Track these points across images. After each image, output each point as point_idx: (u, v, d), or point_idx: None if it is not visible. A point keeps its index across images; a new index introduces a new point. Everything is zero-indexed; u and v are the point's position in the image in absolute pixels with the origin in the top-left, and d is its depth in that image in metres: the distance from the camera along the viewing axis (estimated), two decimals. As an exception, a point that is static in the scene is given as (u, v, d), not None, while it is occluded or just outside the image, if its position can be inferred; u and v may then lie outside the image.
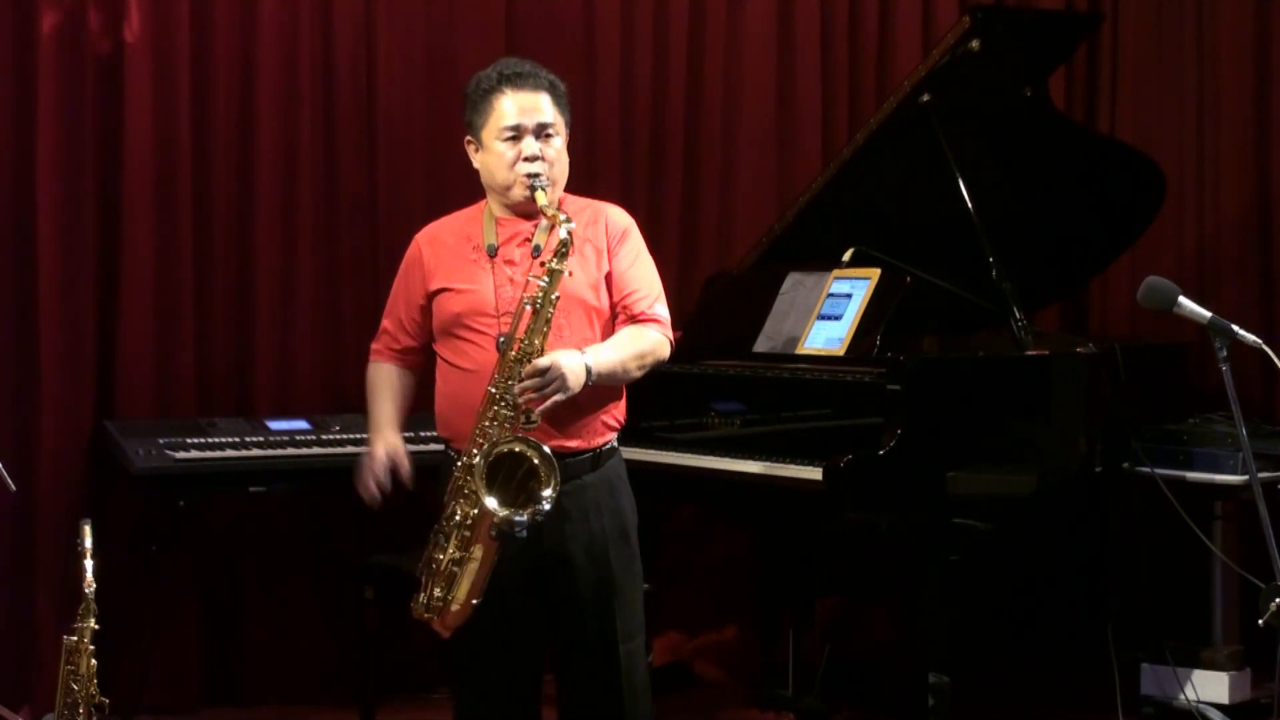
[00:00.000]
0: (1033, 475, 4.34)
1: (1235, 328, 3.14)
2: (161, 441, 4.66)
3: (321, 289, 5.20)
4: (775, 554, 5.04)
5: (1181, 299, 3.19)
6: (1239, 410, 3.18)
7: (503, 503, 3.23)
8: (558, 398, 3.27)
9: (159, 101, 4.94)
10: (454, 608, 3.33)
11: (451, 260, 3.47)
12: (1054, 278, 5.16)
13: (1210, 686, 4.90)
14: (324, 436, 4.89)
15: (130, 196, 4.92)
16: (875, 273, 4.48)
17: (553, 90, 3.46)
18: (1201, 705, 4.84)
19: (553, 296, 3.28)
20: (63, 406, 4.83)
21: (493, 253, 3.44)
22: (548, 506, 3.21)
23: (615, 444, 3.51)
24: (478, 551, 3.28)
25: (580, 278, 3.39)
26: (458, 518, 3.31)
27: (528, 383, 3.25)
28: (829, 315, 4.51)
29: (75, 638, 3.59)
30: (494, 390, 3.28)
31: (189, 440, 4.70)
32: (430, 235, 3.56)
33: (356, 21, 5.23)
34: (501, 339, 3.33)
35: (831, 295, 4.54)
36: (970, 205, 4.55)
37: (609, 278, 3.47)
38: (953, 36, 4.57)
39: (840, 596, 5.44)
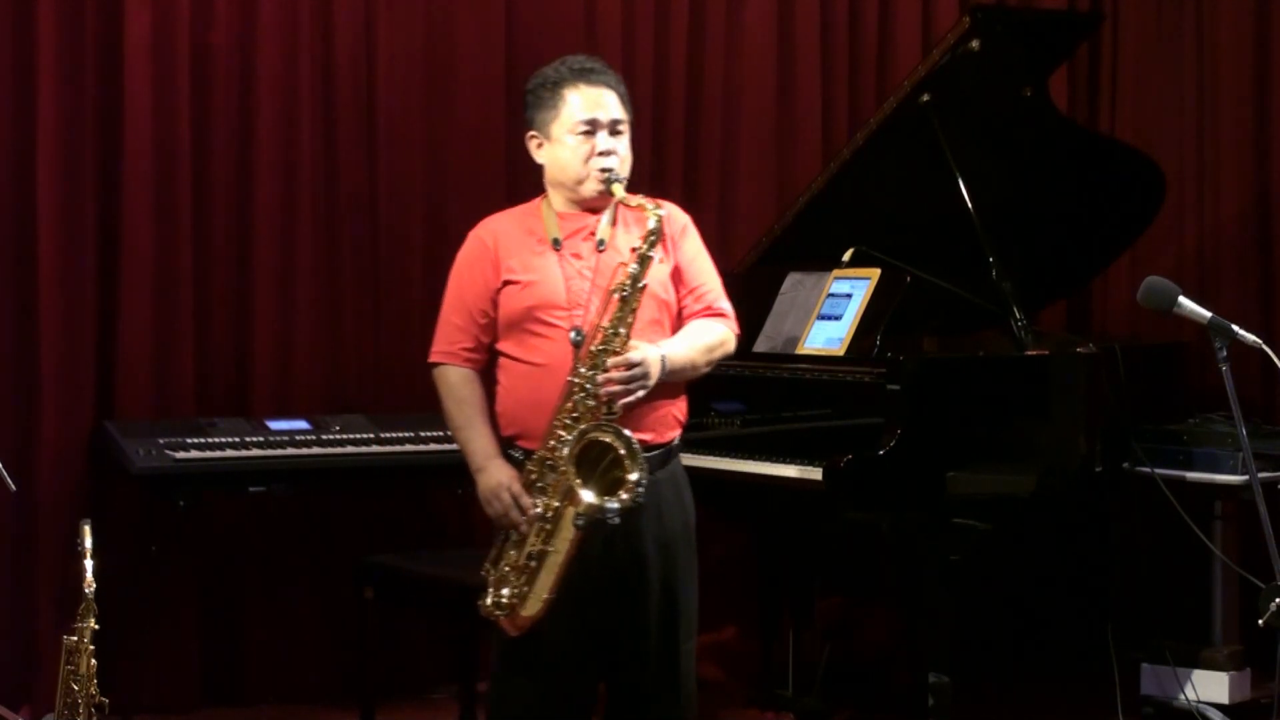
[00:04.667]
0: (1033, 475, 4.34)
1: (1235, 328, 3.14)
2: (161, 441, 4.65)
3: (321, 289, 5.19)
4: (775, 554, 5.04)
5: (1181, 299, 3.19)
6: (1239, 410, 3.18)
7: (597, 494, 3.18)
8: (640, 393, 3.25)
9: (159, 101, 4.94)
10: (529, 605, 3.26)
11: (518, 252, 3.40)
12: (1054, 277, 5.16)
13: (1210, 686, 4.90)
14: (324, 436, 4.89)
15: (130, 196, 4.92)
16: (875, 273, 4.48)
17: (620, 88, 3.45)
18: (1201, 705, 4.84)
19: (640, 285, 3.26)
20: (63, 406, 4.83)
21: (558, 245, 3.39)
22: (642, 491, 3.16)
23: (679, 442, 3.47)
24: (560, 544, 3.23)
25: (651, 274, 3.34)
26: (538, 510, 3.26)
27: (615, 375, 3.22)
28: (829, 315, 4.51)
29: (75, 638, 3.59)
30: (576, 380, 3.24)
31: (189, 440, 4.69)
32: (492, 227, 3.48)
33: (356, 21, 5.22)
34: (574, 333, 3.30)
35: (831, 295, 4.54)
36: (970, 205, 4.55)
37: (675, 272, 3.45)
38: (953, 36, 4.57)
39: (840, 596, 5.44)
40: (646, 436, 3.31)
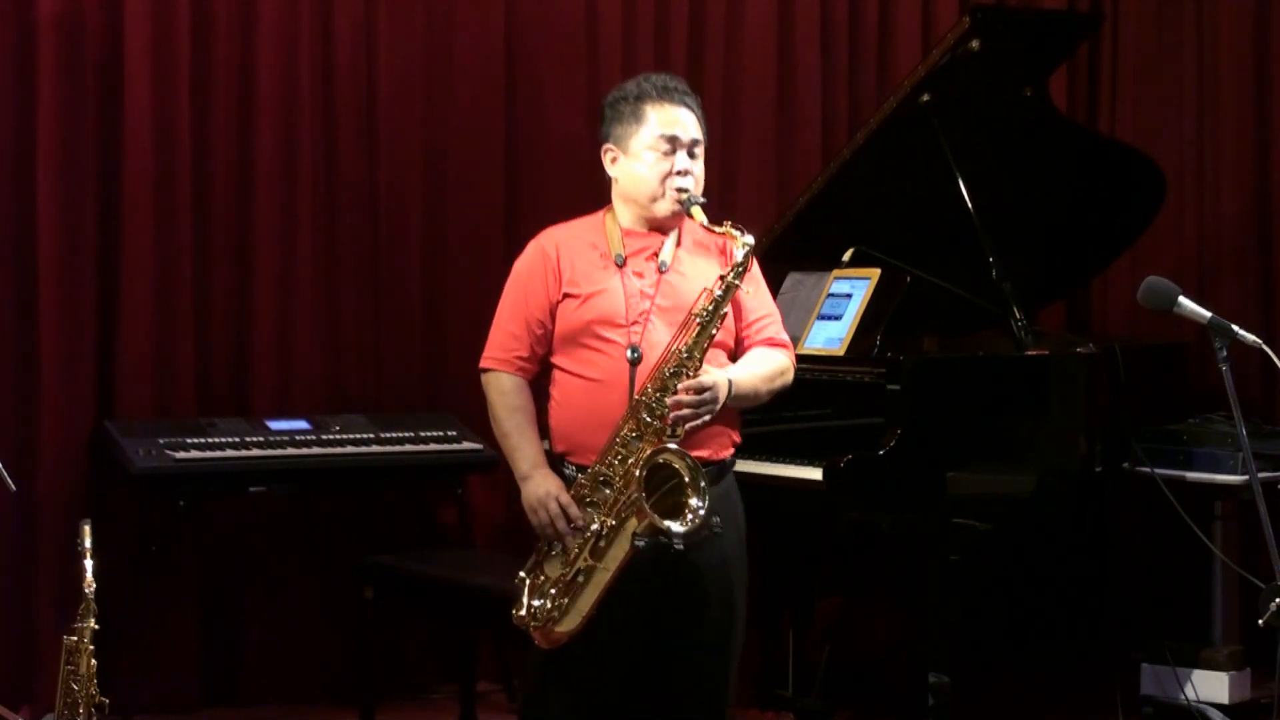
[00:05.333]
0: (1033, 475, 4.34)
1: (1235, 328, 3.15)
2: (161, 441, 4.65)
3: (321, 289, 5.19)
4: (775, 554, 5.03)
5: (1181, 299, 3.19)
6: (1239, 410, 3.18)
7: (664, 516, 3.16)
8: (707, 417, 3.24)
9: (159, 101, 4.94)
10: (567, 621, 3.23)
11: (580, 265, 3.39)
12: (1054, 277, 5.16)
13: (1210, 686, 4.90)
14: (324, 436, 4.89)
15: (130, 196, 4.92)
16: (875, 273, 4.48)
17: (698, 110, 3.44)
18: (1201, 705, 4.84)
19: (722, 313, 3.25)
20: (63, 406, 4.83)
21: (621, 262, 3.37)
22: (704, 519, 3.13)
23: (734, 458, 3.46)
24: (611, 563, 3.20)
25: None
26: (594, 527, 3.22)
27: (686, 398, 3.20)
28: (829, 315, 4.50)
29: (75, 638, 3.59)
30: (643, 400, 3.22)
31: (189, 440, 4.70)
32: (556, 238, 3.45)
33: (356, 21, 5.22)
34: (631, 350, 3.28)
35: (831, 295, 4.54)
36: (970, 205, 4.55)
37: (734, 302, 3.40)
38: (953, 36, 4.56)
39: (840, 596, 5.44)
40: (703, 454, 3.30)
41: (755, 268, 3.48)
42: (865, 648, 5.45)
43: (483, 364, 3.45)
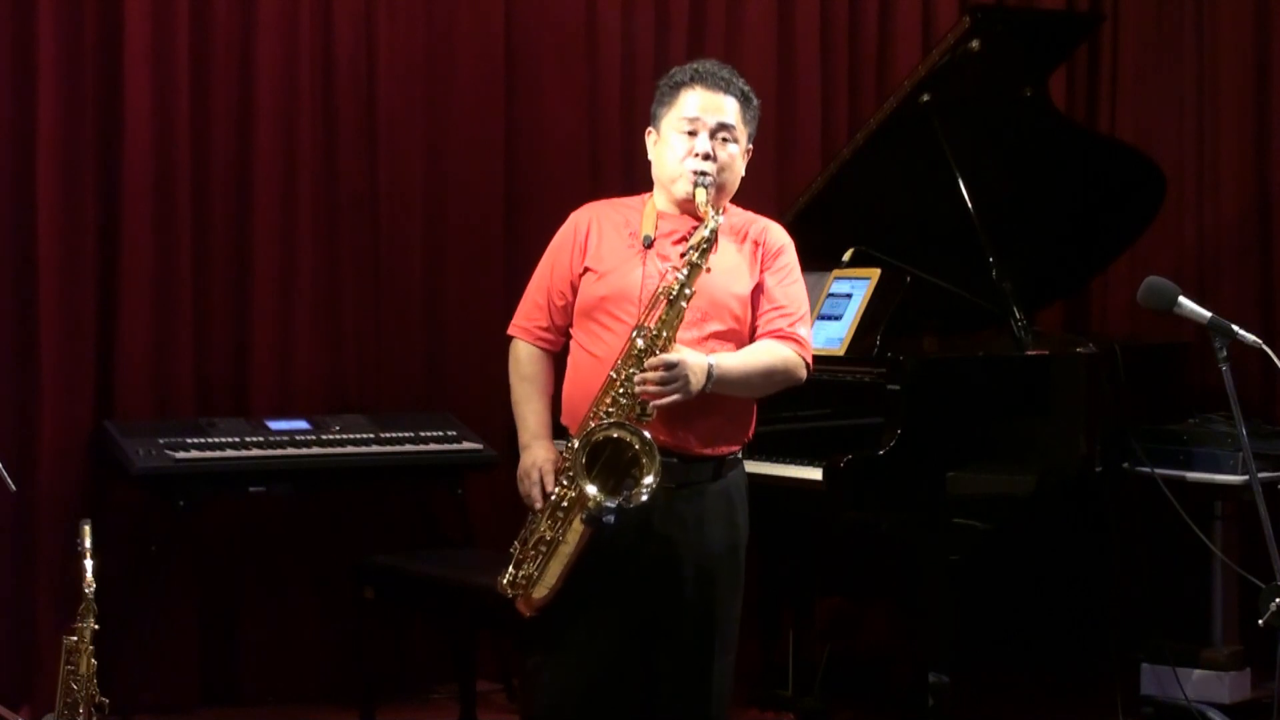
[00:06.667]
0: (1033, 475, 4.33)
1: (1235, 328, 3.15)
2: (161, 441, 4.65)
3: (321, 289, 5.19)
4: (775, 554, 5.03)
5: (1181, 299, 3.19)
6: (1239, 410, 3.18)
7: (601, 490, 3.14)
8: (675, 397, 3.19)
9: (159, 101, 4.94)
10: (538, 589, 3.26)
11: (609, 243, 3.40)
12: (1054, 277, 5.16)
13: (1210, 686, 4.90)
14: (324, 436, 4.89)
15: (130, 196, 4.91)
16: (875, 273, 4.48)
17: (743, 99, 3.40)
18: (1201, 705, 4.84)
19: (688, 291, 3.22)
20: (63, 406, 4.83)
21: (648, 243, 3.35)
22: (645, 497, 3.11)
23: (739, 456, 3.43)
24: (570, 536, 3.22)
25: (727, 286, 3.32)
26: (554, 499, 3.26)
27: (650, 375, 3.17)
28: (829, 315, 4.51)
29: (75, 638, 3.60)
30: (614, 375, 3.21)
31: (189, 440, 4.70)
32: (592, 214, 3.46)
33: (356, 21, 5.22)
34: (636, 331, 3.25)
35: (831, 295, 4.54)
36: (970, 205, 4.55)
37: (756, 291, 3.40)
38: (953, 36, 4.56)
39: (840, 596, 5.44)
40: (693, 447, 3.29)
41: (789, 258, 3.47)
42: (865, 648, 5.46)
43: (509, 329, 3.50)
